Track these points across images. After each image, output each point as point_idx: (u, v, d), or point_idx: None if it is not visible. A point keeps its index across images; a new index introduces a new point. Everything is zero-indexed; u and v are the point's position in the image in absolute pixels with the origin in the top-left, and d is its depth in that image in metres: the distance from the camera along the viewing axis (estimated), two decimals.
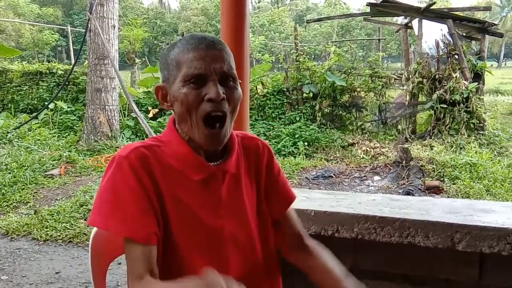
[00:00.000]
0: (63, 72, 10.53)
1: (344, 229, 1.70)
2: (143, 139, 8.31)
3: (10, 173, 5.93)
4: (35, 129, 8.48)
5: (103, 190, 1.08)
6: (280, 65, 11.44)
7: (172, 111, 1.16)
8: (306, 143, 7.87)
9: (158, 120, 8.79)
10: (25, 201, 5.28)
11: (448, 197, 5.24)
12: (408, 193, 5.38)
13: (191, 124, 1.09)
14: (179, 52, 1.10)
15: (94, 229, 1.40)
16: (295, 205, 1.81)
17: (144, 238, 1.05)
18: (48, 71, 10.68)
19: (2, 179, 5.65)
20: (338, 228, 1.70)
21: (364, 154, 7.41)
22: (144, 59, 19.71)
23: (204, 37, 1.12)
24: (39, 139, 7.91)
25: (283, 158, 7.23)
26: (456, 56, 8.46)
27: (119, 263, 3.64)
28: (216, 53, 1.09)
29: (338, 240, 1.72)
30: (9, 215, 4.80)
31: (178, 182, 1.12)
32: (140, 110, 7.22)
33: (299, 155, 7.45)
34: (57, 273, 3.63)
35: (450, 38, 8.73)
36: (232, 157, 1.19)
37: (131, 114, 8.75)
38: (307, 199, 1.88)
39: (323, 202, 1.84)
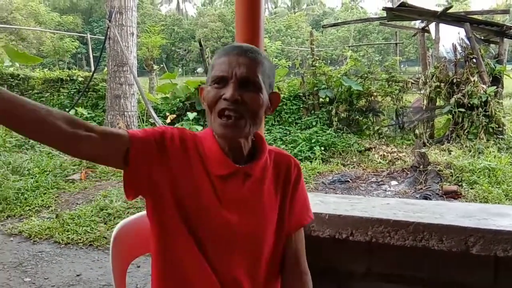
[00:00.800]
0: (83, 79, 10.72)
1: (358, 232, 1.72)
2: None
3: (32, 178, 6.07)
4: None
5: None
6: (296, 70, 11.45)
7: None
8: (322, 148, 7.87)
9: (175, 126, 8.89)
10: (47, 205, 5.40)
11: (467, 202, 5.19)
12: (425, 198, 5.35)
13: (212, 119, 1.18)
14: (215, 57, 1.23)
15: (115, 231, 1.45)
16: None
17: (131, 133, 1.16)
18: (68, 78, 10.89)
19: (25, 184, 5.78)
20: (352, 231, 1.73)
21: (381, 158, 7.38)
22: (162, 65, 19.92)
23: (240, 45, 1.23)
24: None
25: (300, 163, 7.24)
26: (474, 60, 8.38)
27: (138, 266, 3.72)
28: (243, 59, 1.17)
29: (352, 243, 1.74)
30: (31, 219, 4.91)
31: (200, 172, 1.20)
32: (158, 116, 7.33)
33: (315, 160, 7.46)
34: (78, 275, 3.71)
35: (467, 42, 8.65)
36: (258, 162, 1.25)
37: (149, 120, 8.87)
38: (321, 203, 1.91)
39: (338, 206, 1.87)
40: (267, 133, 8.69)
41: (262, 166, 1.26)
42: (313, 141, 8.05)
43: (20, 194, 5.53)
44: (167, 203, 1.18)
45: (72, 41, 28.64)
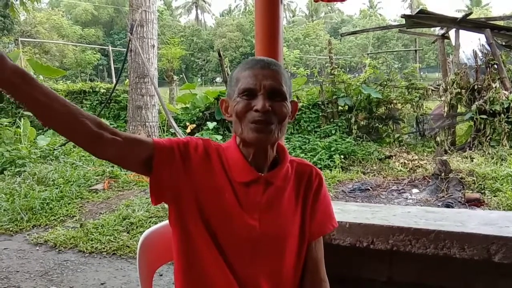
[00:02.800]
0: (105, 91, 10.93)
1: (379, 240, 1.73)
2: None
3: (57, 188, 6.19)
4: None
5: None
6: (315, 79, 11.46)
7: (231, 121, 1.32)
8: (342, 156, 7.85)
9: (195, 135, 8.97)
10: (71, 215, 5.50)
11: (490, 209, 5.12)
12: (447, 206, 5.29)
13: (242, 128, 1.24)
14: (239, 70, 1.29)
15: (141, 240, 1.50)
16: None
17: (155, 141, 1.24)
18: (91, 90, 11.10)
19: (50, 194, 5.91)
20: (373, 240, 1.74)
21: (401, 166, 7.32)
22: (181, 75, 20.16)
23: (262, 59, 1.29)
24: (83, 156, 8.21)
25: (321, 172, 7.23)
26: (495, 66, 8.28)
27: (161, 275, 3.77)
28: (268, 72, 1.25)
29: (373, 251, 1.75)
30: (56, 229, 5.01)
31: (222, 179, 1.26)
32: (178, 126, 7.43)
33: (335, 168, 7.44)
34: (102, 284, 3.77)
35: (488, 48, 8.56)
36: (280, 171, 1.31)
37: (170, 130, 8.98)
38: (342, 211, 1.92)
39: (358, 214, 1.88)
40: (286, 141, 8.70)
41: (284, 175, 1.31)
42: (332, 149, 8.03)
43: (45, 204, 5.64)
44: (189, 209, 1.23)
45: (94, 53, 29.20)
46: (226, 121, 9.44)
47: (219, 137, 8.56)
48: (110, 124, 9.80)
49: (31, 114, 7.30)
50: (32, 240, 4.74)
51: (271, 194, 1.28)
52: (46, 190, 6.08)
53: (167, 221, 1.59)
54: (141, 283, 1.46)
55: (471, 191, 5.78)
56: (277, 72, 1.26)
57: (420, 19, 9.65)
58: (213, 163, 1.27)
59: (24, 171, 6.92)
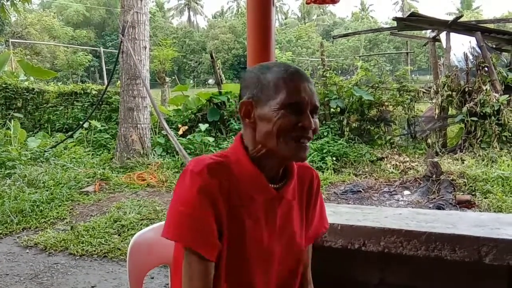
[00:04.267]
0: (96, 92, 10.86)
1: (370, 242, 1.73)
2: (173, 156, 8.47)
3: (47, 190, 6.14)
4: (71, 148, 8.76)
5: (175, 203, 1.16)
6: None
7: (248, 128, 1.22)
8: (334, 158, 7.87)
9: (187, 137, 8.95)
10: (61, 217, 5.46)
11: (480, 211, 5.15)
12: (439, 208, 5.31)
13: (279, 142, 1.16)
14: (278, 76, 1.18)
15: (131, 243, 1.48)
16: None
17: (210, 255, 1.13)
18: (82, 92, 11.03)
19: (40, 196, 5.86)
20: (364, 241, 1.74)
21: (393, 168, 7.35)
22: (173, 77, 20.11)
23: (298, 69, 1.22)
24: (74, 157, 8.16)
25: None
26: (486, 69, 8.35)
27: (152, 277, 3.75)
28: (312, 88, 1.21)
29: (365, 253, 1.75)
30: (47, 231, 4.96)
31: (245, 201, 1.19)
32: (170, 128, 7.40)
33: (327, 170, 7.46)
34: (92, 287, 3.74)
35: (479, 50, 8.63)
36: (291, 184, 1.27)
37: (162, 132, 8.94)
38: (334, 213, 1.92)
39: (350, 216, 1.88)
40: None
41: (292, 188, 1.29)
42: (324, 151, 8.05)
43: (35, 207, 5.59)
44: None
45: (85, 55, 29.08)
46: (218, 123, 9.43)
47: (211, 139, 8.54)
48: (102, 126, 9.78)
49: (21, 116, 7.25)
50: (22, 242, 4.70)
51: (284, 210, 1.26)
52: (36, 192, 6.03)
53: (158, 224, 1.58)
54: (130, 286, 1.45)
55: (462, 193, 5.82)
56: (314, 87, 1.23)
57: (412, 21, 9.72)
58: (227, 195, 1.17)
59: (14, 173, 6.86)
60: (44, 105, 11.12)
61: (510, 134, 7.92)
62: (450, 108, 8.83)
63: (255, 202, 1.20)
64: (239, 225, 1.18)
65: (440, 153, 8.04)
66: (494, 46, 9.53)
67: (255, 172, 1.20)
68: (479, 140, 7.95)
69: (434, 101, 8.86)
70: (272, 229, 1.23)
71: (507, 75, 8.56)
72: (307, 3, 2.35)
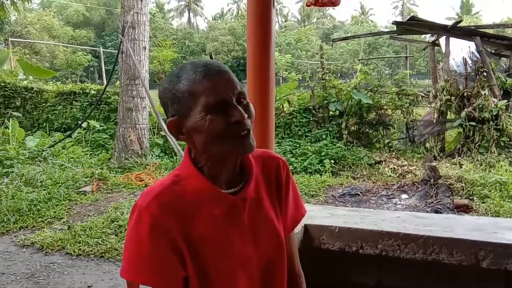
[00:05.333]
0: (95, 92, 10.84)
1: (368, 245, 1.73)
2: (171, 156, 8.47)
3: (45, 189, 6.14)
4: (69, 147, 8.75)
5: (128, 242, 1.12)
6: (306, 84, 11.50)
7: (187, 142, 1.17)
8: (332, 161, 7.87)
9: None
10: (59, 217, 5.46)
11: (478, 216, 5.16)
12: (436, 212, 5.32)
13: (219, 146, 1.10)
14: (190, 83, 1.10)
15: None
16: (320, 221, 1.86)
17: (171, 287, 1.10)
18: (81, 91, 11.01)
19: (38, 195, 5.85)
20: (362, 244, 1.74)
21: (391, 172, 7.36)
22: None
23: (208, 63, 1.14)
24: (72, 157, 8.16)
25: (310, 176, 7.25)
26: (485, 74, 8.36)
27: None
28: (227, 76, 1.12)
29: (362, 256, 1.75)
30: (44, 230, 4.96)
31: (202, 218, 1.14)
32: None
33: (325, 172, 7.46)
34: (89, 287, 3.74)
35: (478, 55, 8.66)
36: (251, 183, 1.21)
37: (160, 133, 8.94)
38: (331, 216, 1.92)
39: (348, 219, 1.88)
40: (277, 145, 8.71)
41: (254, 185, 1.22)
42: (323, 154, 8.05)
43: (32, 206, 5.59)
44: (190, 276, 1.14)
45: (85, 55, 29.04)
46: None
47: None
48: (100, 126, 9.77)
49: (20, 115, 7.24)
50: (18, 242, 4.69)
51: (251, 209, 1.20)
52: (33, 191, 6.03)
53: None
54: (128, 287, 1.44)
55: (459, 197, 5.83)
56: (231, 74, 1.14)
57: (411, 26, 9.74)
58: (181, 220, 1.12)
59: (12, 172, 6.85)
60: (43, 104, 11.11)
61: (508, 139, 7.94)
62: (448, 113, 8.84)
63: (215, 214, 1.15)
64: (203, 245, 1.13)
65: (438, 157, 8.05)
66: (493, 51, 9.56)
67: (207, 185, 1.15)
68: (477, 145, 7.96)
69: (432, 105, 8.88)
70: (242, 233, 1.18)
71: (506, 80, 8.58)
72: (307, 6, 2.35)
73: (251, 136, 1.13)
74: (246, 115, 1.11)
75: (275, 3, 2.23)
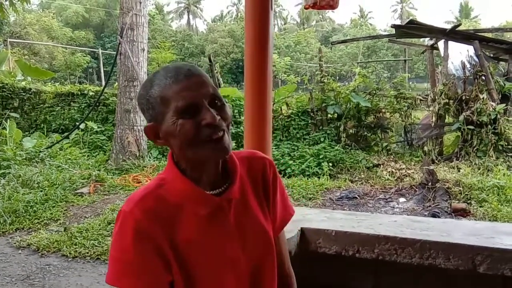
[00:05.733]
0: (93, 93, 10.82)
1: (364, 249, 1.72)
2: None
3: (41, 191, 6.11)
4: (66, 149, 8.73)
5: (112, 249, 1.12)
6: (305, 86, 11.50)
7: (167, 146, 1.16)
8: (330, 164, 7.86)
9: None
10: (55, 219, 5.43)
11: (476, 220, 5.15)
12: (434, 216, 5.31)
13: (194, 150, 1.10)
14: (161, 88, 1.10)
15: None
16: (316, 225, 1.85)
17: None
18: (79, 93, 10.99)
19: (34, 197, 5.83)
20: (358, 248, 1.73)
21: (389, 175, 7.35)
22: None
23: (178, 67, 1.13)
24: (70, 158, 8.13)
25: (307, 179, 7.24)
26: (483, 77, 8.37)
27: None
28: (197, 79, 1.11)
29: (359, 260, 1.74)
30: (40, 232, 4.94)
31: (187, 221, 1.13)
32: None
33: (323, 175, 7.45)
34: None
35: (476, 59, 8.66)
36: (236, 184, 1.20)
37: None
38: (328, 219, 1.91)
39: (344, 223, 1.87)
40: (275, 148, 8.70)
41: (239, 186, 1.21)
42: (321, 156, 8.05)
43: (29, 207, 5.57)
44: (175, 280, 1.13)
45: (84, 56, 29.03)
46: None
47: None
48: (98, 127, 9.75)
49: (17, 115, 7.20)
50: (14, 243, 4.67)
51: (237, 210, 1.19)
52: (30, 192, 6.01)
53: None
54: None
55: (457, 201, 5.82)
56: (204, 76, 1.13)
57: (410, 29, 9.75)
58: (165, 223, 1.11)
59: (9, 173, 6.82)
60: (41, 105, 11.08)
61: (506, 143, 7.94)
62: (447, 116, 8.85)
63: (200, 216, 1.14)
64: (189, 248, 1.12)
65: (436, 161, 8.05)
66: (491, 55, 9.57)
67: (190, 187, 1.14)
68: (475, 148, 7.96)
69: (431, 108, 8.88)
70: (228, 234, 1.17)
71: (504, 84, 8.58)
72: (305, 8, 2.34)
73: (225, 139, 1.12)
74: (218, 117, 1.09)
75: (273, 6, 2.22)
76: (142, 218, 1.08)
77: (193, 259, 1.12)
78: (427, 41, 11.21)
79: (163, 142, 1.15)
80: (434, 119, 8.69)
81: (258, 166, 1.29)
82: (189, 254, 1.12)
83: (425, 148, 8.69)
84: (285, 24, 65.78)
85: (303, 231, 1.83)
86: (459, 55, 9.35)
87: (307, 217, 1.96)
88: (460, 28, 9.98)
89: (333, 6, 2.39)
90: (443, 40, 9.67)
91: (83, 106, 10.77)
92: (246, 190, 1.24)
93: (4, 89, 10.89)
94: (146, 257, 1.08)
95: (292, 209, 1.38)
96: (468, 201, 5.81)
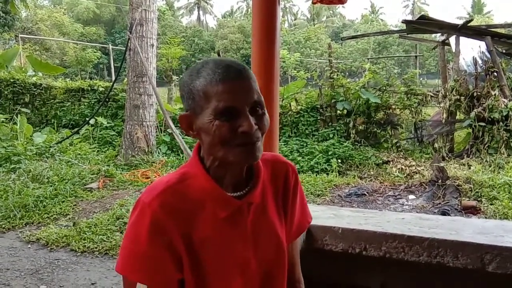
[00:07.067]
0: (103, 89, 10.88)
1: (371, 247, 1.69)
2: (178, 154, 8.47)
3: (51, 186, 6.16)
4: (76, 144, 8.79)
5: (126, 238, 1.11)
6: (314, 82, 11.45)
7: (197, 139, 1.15)
8: (339, 160, 7.83)
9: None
10: (64, 213, 5.47)
11: (486, 218, 5.09)
12: (444, 213, 5.26)
13: (224, 151, 1.08)
14: (206, 83, 1.08)
15: None
16: (323, 222, 1.83)
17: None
18: (89, 88, 11.05)
19: (44, 191, 5.87)
20: (365, 246, 1.70)
21: (399, 172, 7.30)
22: (181, 76, 20.13)
23: (229, 65, 1.10)
24: (79, 154, 8.19)
25: (316, 175, 7.21)
26: (495, 74, 8.27)
27: None
28: (245, 83, 1.09)
29: (366, 258, 1.72)
30: (49, 227, 4.98)
31: (204, 220, 1.12)
32: (176, 126, 7.37)
33: (332, 172, 7.42)
34: (93, 284, 3.74)
35: (488, 55, 8.56)
36: (258, 188, 1.19)
37: (167, 130, 8.94)
38: (335, 216, 1.89)
39: (351, 220, 1.85)
40: (284, 144, 8.68)
41: (260, 190, 1.20)
42: (330, 153, 8.01)
43: (39, 202, 5.61)
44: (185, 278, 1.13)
45: (95, 52, 29.20)
46: None
47: None
48: (108, 123, 9.79)
49: (28, 111, 7.27)
50: (24, 237, 4.71)
51: (255, 215, 1.18)
52: (40, 187, 6.06)
53: None
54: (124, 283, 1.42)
55: (467, 199, 5.76)
56: (252, 80, 1.11)
57: (421, 25, 9.65)
58: (183, 221, 1.10)
59: (19, 168, 6.89)
60: (51, 100, 11.16)
61: None
62: (458, 113, 8.76)
63: (219, 217, 1.13)
64: (203, 247, 1.11)
65: (447, 158, 7.98)
66: (504, 51, 9.45)
67: (212, 186, 1.13)
68: (486, 145, 7.88)
69: (442, 105, 8.80)
70: (243, 238, 1.16)
71: None
72: (313, 3, 2.31)
73: (257, 147, 1.10)
74: (255, 127, 1.08)
75: (281, 0, 2.20)
76: (160, 212, 1.07)
77: (205, 259, 1.12)
78: (438, 37, 11.13)
79: (195, 135, 1.14)
80: (445, 115, 8.61)
81: (281, 171, 1.28)
82: (202, 253, 1.11)
83: (436, 145, 8.62)
84: (295, 19, 65.53)
85: (309, 228, 1.80)
86: (470, 51, 9.33)
87: (314, 214, 1.92)
88: (472, 23, 9.88)
89: (342, 0, 2.36)
90: (454, 36, 9.57)
91: (93, 102, 10.83)
92: (266, 194, 1.23)
93: (15, 85, 10.99)
94: (159, 251, 1.08)
95: (310, 217, 1.38)
96: (479, 199, 5.75)
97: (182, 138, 7.69)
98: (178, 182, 1.14)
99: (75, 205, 5.80)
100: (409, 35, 11.16)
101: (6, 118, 9.35)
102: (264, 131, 1.12)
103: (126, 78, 9.21)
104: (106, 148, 9.10)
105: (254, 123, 1.07)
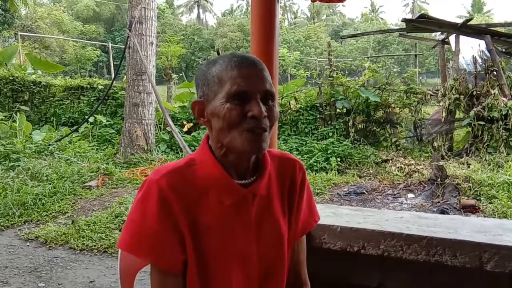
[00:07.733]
0: (103, 87, 10.87)
1: (370, 246, 1.69)
2: (177, 152, 8.46)
3: (50, 184, 6.15)
4: (75, 142, 8.78)
5: (132, 213, 1.12)
6: (314, 81, 11.44)
7: (207, 127, 1.18)
8: (338, 159, 7.82)
9: (192, 134, 8.94)
10: (63, 211, 5.47)
11: (485, 216, 5.09)
12: (443, 212, 5.26)
13: (232, 137, 1.10)
14: (221, 69, 1.12)
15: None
16: (322, 220, 1.83)
17: (169, 267, 1.10)
18: (89, 86, 11.05)
19: (43, 189, 5.86)
20: (364, 244, 1.70)
21: (398, 171, 7.30)
22: (181, 74, 20.09)
23: (245, 56, 1.15)
24: (78, 152, 8.18)
25: (315, 174, 7.21)
26: (495, 73, 8.27)
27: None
28: (259, 72, 1.12)
29: (364, 256, 1.71)
30: (48, 225, 4.97)
31: (209, 206, 1.13)
32: (175, 124, 7.38)
33: (331, 170, 7.41)
34: (91, 282, 3.73)
35: (488, 54, 8.55)
36: (264, 179, 1.20)
37: (167, 128, 8.94)
38: (334, 215, 1.89)
39: (350, 218, 1.85)
40: (283, 143, 8.67)
41: (266, 183, 1.21)
42: (329, 151, 8.01)
43: (37, 200, 5.61)
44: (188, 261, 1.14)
45: (94, 50, 29.17)
46: None
47: None
48: (107, 121, 9.79)
49: (27, 109, 7.27)
50: (23, 235, 4.71)
51: (259, 207, 1.19)
52: (39, 185, 6.05)
53: None
54: (121, 285, 1.42)
55: (466, 198, 5.76)
56: (265, 72, 1.14)
57: (421, 23, 9.64)
58: (188, 203, 1.11)
59: (18, 165, 6.88)
60: (51, 98, 11.15)
61: None
62: (457, 112, 8.76)
63: (224, 204, 1.14)
64: (206, 233, 1.12)
65: (446, 157, 7.98)
66: (503, 50, 9.44)
67: (220, 172, 1.14)
68: (485, 144, 7.87)
69: (441, 104, 8.80)
70: (247, 228, 1.17)
71: None
72: (312, 1, 2.31)
73: (264, 136, 1.12)
74: (265, 114, 1.10)
75: None
76: (167, 190, 1.09)
77: (208, 244, 1.12)
78: (438, 35, 11.13)
79: (205, 121, 1.16)
80: (444, 114, 8.61)
81: (288, 167, 1.29)
82: (205, 238, 1.12)
83: (435, 144, 8.61)
84: (295, 18, 65.47)
85: None
86: (470, 50, 9.32)
87: None
88: (472, 22, 9.85)
89: None
90: (454, 35, 9.56)
91: (92, 100, 10.83)
92: (272, 189, 1.24)
93: (14, 82, 10.97)
94: (166, 229, 1.09)
95: (317, 216, 1.38)
96: (478, 198, 5.75)
97: (182, 136, 7.70)
98: (185, 167, 1.16)
99: (74, 203, 5.79)
100: (409, 34, 11.16)
101: (5, 116, 9.35)
102: (273, 122, 1.14)
103: (125, 76, 9.20)
104: (105, 146, 9.09)
105: (264, 110, 1.10)
